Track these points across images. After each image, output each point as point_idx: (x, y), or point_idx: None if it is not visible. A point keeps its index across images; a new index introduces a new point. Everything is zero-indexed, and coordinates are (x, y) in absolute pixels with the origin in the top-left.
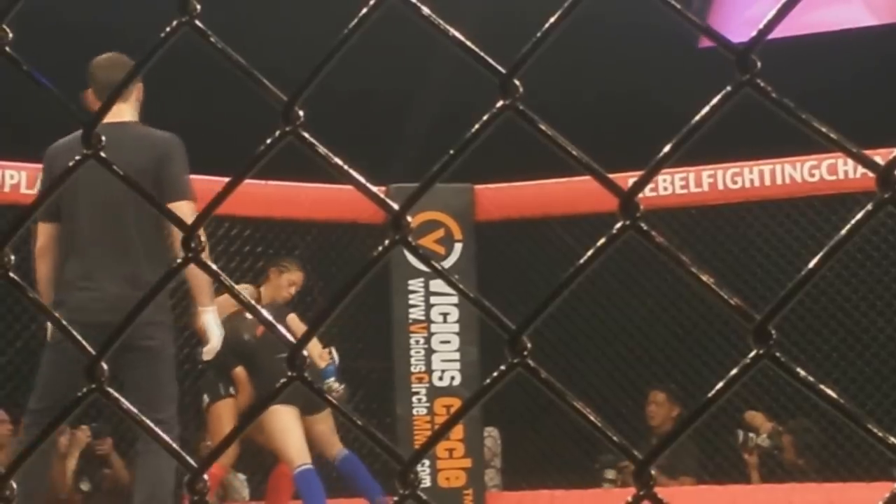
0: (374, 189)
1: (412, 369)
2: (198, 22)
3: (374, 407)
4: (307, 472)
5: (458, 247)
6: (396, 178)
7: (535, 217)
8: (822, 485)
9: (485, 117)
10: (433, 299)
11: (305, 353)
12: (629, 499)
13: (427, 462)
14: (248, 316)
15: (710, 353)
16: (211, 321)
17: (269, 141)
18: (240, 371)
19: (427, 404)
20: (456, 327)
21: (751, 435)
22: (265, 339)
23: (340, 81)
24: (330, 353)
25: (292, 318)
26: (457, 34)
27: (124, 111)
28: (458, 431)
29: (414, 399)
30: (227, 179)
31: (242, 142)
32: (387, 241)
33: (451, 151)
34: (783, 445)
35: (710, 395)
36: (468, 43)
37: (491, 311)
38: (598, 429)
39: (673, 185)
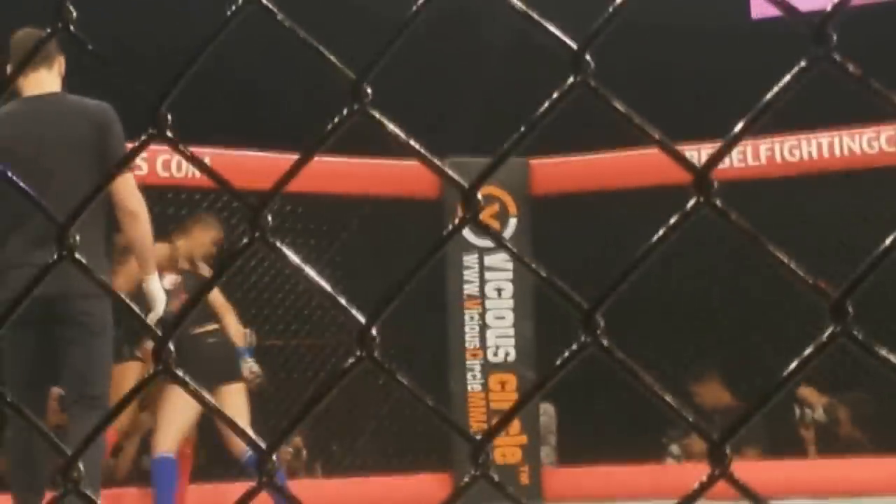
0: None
1: (466, 345)
2: (265, 0)
3: (428, 383)
4: (169, 462)
5: (512, 222)
6: (452, 152)
7: (590, 191)
8: (881, 459)
9: (555, 94)
10: (488, 275)
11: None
12: (703, 478)
13: None
14: (166, 286)
15: (773, 327)
16: (154, 289)
17: (337, 118)
18: (149, 346)
19: (481, 380)
20: (511, 303)
21: (807, 410)
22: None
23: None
24: (246, 334)
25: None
26: (525, 8)
27: (50, 82)
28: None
29: (468, 375)
30: (293, 157)
31: (302, 117)
32: (457, 219)
33: (522, 128)
34: (839, 419)
35: (785, 373)
36: (538, 17)
37: (563, 290)
38: (673, 409)
39: (731, 158)
